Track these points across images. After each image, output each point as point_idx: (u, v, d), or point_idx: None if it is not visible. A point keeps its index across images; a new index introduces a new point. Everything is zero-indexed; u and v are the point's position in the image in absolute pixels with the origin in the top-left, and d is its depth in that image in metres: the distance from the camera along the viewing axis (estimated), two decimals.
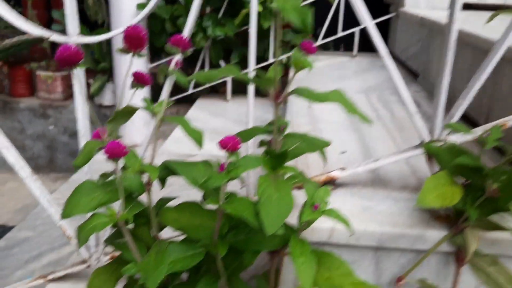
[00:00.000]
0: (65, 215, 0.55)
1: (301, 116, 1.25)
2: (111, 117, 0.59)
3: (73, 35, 0.77)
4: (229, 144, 0.53)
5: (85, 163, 0.58)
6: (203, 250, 0.59)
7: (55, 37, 0.76)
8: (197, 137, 0.60)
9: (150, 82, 0.61)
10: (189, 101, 2.22)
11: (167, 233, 0.67)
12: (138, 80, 0.60)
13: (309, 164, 0.87)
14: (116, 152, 0.52)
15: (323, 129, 1.15)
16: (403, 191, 0.80)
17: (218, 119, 2.01)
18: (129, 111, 0.59)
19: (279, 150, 0.60)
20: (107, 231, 0.85)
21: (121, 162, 0.55)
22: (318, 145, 0.63)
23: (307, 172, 0.81)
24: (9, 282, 1.20)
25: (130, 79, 0.61)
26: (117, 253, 0.86)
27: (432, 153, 0.70)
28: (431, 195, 0.59)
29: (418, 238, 0.68)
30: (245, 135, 0.66)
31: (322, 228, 0.69)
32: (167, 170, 0.59)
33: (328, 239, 0.69)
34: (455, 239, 0.67)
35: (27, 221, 1.46)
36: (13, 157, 0.78)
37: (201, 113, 2.09)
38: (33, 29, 0.75)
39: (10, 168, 0.79)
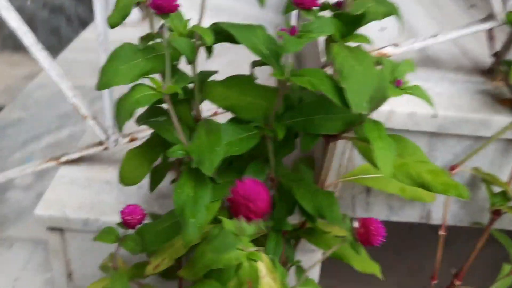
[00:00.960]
0: (102, 85, 0.45)
1: None
2: None
3: None
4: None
5: (121, 21, 0.47)
6: (258, 132, 0.52)
7: None
8: None
9: None
10: None
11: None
12: None
13: None
14: (165, 5, 0.41)
15: None
16: (458, 73, 0.72)
17: None
18: None
19: (353, 13, 0.50)
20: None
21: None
22: (390, 8, 0.53)
23: None
24: (9, 164, 1.13)
25: None
26: (136, 135, 0.78)
27: None
28: None
29: (482, 124, 0.62)
30: None
31: (379, 110, 0.61)
32: (219, 34, 0.49)
33: (384, 123, 0.62)
34: None
35: (18, 101, 1.35)
36: (14, 21, 0.66)
37: None
38: None
39: None
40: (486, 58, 0.73)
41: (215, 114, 0.76)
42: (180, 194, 0.47)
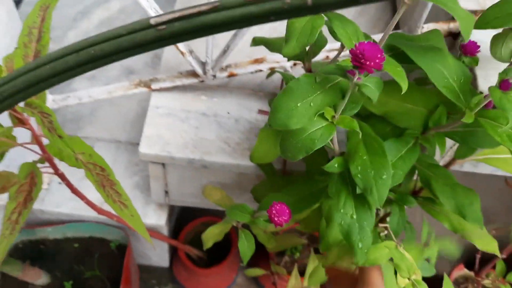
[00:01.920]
0: (276, 125, 0.41)
1: None
2: None
3: None
4: None
5: (299, 51, 0.40)
6: (417, 143, 0.50)
7: None
8: None
9: None
10: None
11: None
12: None
13: None
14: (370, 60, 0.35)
15: None
16: None
17: None
18: None
19: None
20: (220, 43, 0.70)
21: None
22: None
23: None
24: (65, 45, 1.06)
25: None
26: (235, 70, 0.73)
27: None
28: None
29: None
30: None
31: None
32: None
33: None
34: None
35: None
36: None
37: None
38: None
39: None
40: None
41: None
42: (344, 216, 0.47)
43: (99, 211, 0.68)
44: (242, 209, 0.60)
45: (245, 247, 0.64)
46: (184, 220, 1.06)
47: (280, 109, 0.41)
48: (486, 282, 0.82)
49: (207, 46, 0.68)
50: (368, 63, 0.35)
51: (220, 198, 0.74)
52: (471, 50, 0.46)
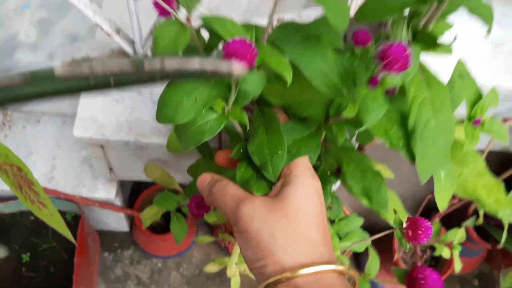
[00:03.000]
0: (163, 120, 0.41)
1: None
2: None
3: None
4: None
5: None
6: (316, 129, 0.50)
7: None
8: None
9: None
10: None
11: None
12: None
13: None
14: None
15: None
16: None
17: None
18: None
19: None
20: (150, 21, 0.68)
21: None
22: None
23: None
24: (4, 11, 1.02)
25: None
26: None
27: None
28: None
29: None
30: None
31: None
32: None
33: None
34: None
35: None
36: None
37: None
38: None
39: None
40: None
41: None
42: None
43: (44, 190, 0.69)
44: (168, 197, 0.61)
45: (177, 229, 0.66)
46: (141, 186, 1.07)
47: (166, 104, 0.41)
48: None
49: (132, 26, 0.65)
50: (240, 59, 0.35)
51: (160, 176, 0.75)
52: (363, 40, 0.45)
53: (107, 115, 0.72)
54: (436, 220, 0.84)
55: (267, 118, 0.48)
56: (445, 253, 0.83)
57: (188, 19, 0.42)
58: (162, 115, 0.42)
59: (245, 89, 0.41)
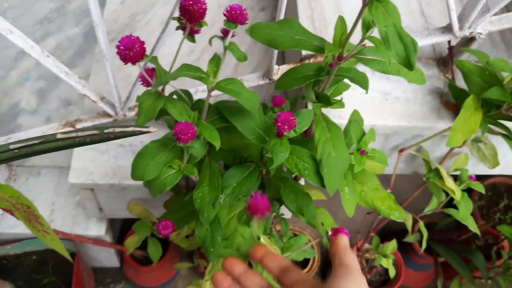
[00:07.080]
0: (136, 178, 0.59)
1: None
2: None
3: None
4: None
5: (147, 122, 0.58)
6: (256, 167, 0.68)
7: None
8: None
9: None
10: None
11: None
12: None
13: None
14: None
15: None
16: (419, 62, 0.84)
17: None
18: None
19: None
20: (128, 87, 0.87)
21: None
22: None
23: None
24: (10, 84, 1.21)
25: None
26: None
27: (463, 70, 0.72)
28: (458, 134, 0.66)
29: (428, 129, 0.79)
30: None
31: None
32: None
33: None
34: None
35: None
36: (20, 39, 0.71)
37: None
38: None
39: None
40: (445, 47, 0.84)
41: None
42: (200, 230, 0.66)
43: None
44: (144, 224, 0.78)
45: (153, 252, 0.82)
46: (130, 224, 1.23)
47: (137, 167, 0.59)
48: (366, 255, 1.02)
49: (113, 94, 0.85)
50: (182, 137, 0.53)
51: (140, 212, 0.92)
52: (279, 103, 0.64)
53: (96, 164, 0.90)
54: (373, 234, 1.00)
55: (212, 171, 0.66)
56: (383, 262, 1.00)
57: (162, 90, 0.61)
58: (135, 175, 0.60)
59: (192, 152, 0.58)
